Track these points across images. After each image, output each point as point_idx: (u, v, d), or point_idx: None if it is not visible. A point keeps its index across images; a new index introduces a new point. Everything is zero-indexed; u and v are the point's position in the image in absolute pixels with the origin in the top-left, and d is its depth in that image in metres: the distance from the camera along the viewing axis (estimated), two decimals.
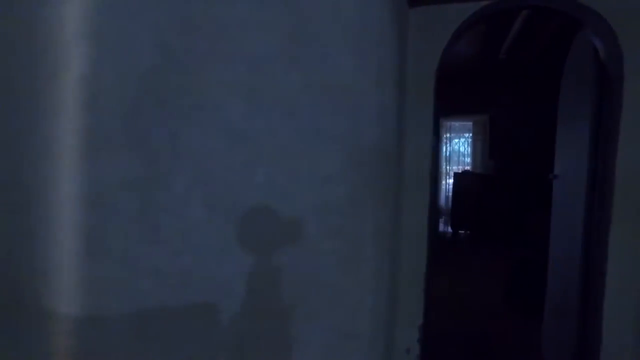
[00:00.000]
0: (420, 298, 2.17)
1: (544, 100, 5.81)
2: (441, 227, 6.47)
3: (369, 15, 1.17)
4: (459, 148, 6.57)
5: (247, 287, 0.87)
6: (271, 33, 0.83)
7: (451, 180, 6.32)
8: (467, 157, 6.47)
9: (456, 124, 6.54)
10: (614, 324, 1.89)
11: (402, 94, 1.95)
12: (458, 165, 6.52)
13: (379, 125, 1.36)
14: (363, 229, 1.20)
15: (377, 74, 1.25)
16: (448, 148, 6.55)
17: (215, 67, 0.82)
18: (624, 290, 1.90)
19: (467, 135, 6.49)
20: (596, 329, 1.93)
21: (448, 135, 6.52)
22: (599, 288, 1.95)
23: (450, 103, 6.52)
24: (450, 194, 6.33)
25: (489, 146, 6.17)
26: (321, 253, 1.00)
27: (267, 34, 0.84)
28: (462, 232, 6.08)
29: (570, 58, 2.49)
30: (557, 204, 2.63)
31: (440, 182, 6.52)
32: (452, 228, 6.24)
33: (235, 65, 0.84)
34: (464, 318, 3.23)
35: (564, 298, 2.33)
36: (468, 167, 6.38)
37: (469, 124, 6.41)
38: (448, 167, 6.54)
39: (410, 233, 2.07)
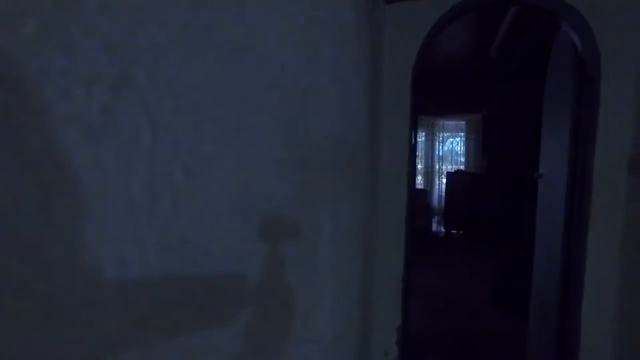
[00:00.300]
0: (398, 299, 2.13)
1: (537, 99, 5.77)
2: (434, 227, 6.43)
3: (326, 14, 1.14)
4: (452, 147, 6.53)
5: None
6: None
7: (444, 180, 6.28)
8: (461, 156, 6.43)
9: (450, 123, 6.50)
10: (593, 321, 1.85)
11: (377, 90, 1.92)
12: (451, 164, 6.48)
13: (342, 120, 1.32)
14: (319, 227, 1.16)
15: (336, 72, 1.21)
16: (441, 147, 6.51)
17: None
18: (602, 289, 1.86)
19: (460, 134, 6.45)
20: (575, 325, 1.90)
21: (441, 134, 6.48)
22: (577, 286, 1.92)
23: (443, 102, 6.53)
24: (443, 193, 6.29)
25: (481, 145, 6.13)
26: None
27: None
28: (455, 231, 6.04)
29: (553, 56, 2.45)
30: (541, 203, 2.59)
31: (434, 182, 6.48)
32: (444, 228, 6.20)
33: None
34: (450, 318, 3.19)
35: (547, 296, 2.30)
36: (461, 167, 6.35)
37: (462, 123, 6.37)
38: (441, 167, 6.50)
39: (387, 232, 2.04)
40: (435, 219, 6.46)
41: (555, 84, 2.38)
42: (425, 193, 6.37)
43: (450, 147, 6.55)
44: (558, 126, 2.27)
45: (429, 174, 6.48)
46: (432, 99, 6.45)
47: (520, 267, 3.26)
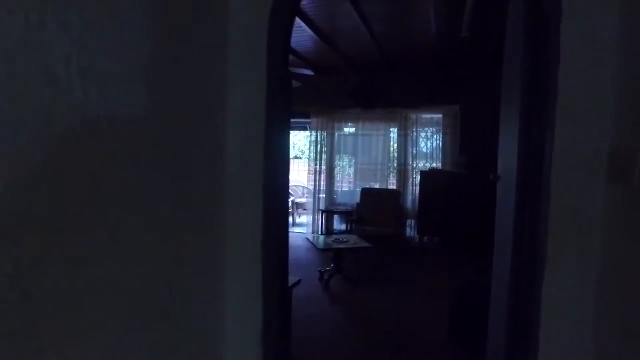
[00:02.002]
0: (255, 345, 1.46)
1: None
2: (408, 232, 5.77)
3: None
4: (426, 144, 5.87)
5: None
6: None
7: (418, 180, 5.62)
8: (439, 152, 5.75)
9: (426, 116, 5.83)
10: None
11: (215, 73, 1.26)
12: (426, 162, 5.82)
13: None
14: None
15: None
16: (416, 144, 5.84)
17: None
18: (569, 350, 1.22)
19: (436, 129, 5.79)
20: None
21: (415, 129, 5.81)
22: (530, 343, 1.27)
23: (416, 93, 5.85)
24: (417, 195, 5.63)
25: (460, 140, 5.47)
26: None
27: None
28: (430, 238, 5.38)
29: (508, 25, 1.80)
30: (499, 215, 1.94)
31: (408, 182, 5.82)
32: (418, 234, 5.55)
33: None
34: (387, 357, 2.54)
35: (499, 340, 1.64)
36: (437, 165, 5.68)
37: (439, 117, 5.70)
38: (416, 165, 5.83)
39: (235, 253, 1.36)
40: (410, 223, 5.80)
41: (513, 50, 1.73)
42: (398, 194, 5.71)
43: (425, 144, 5.89)
44: (510, 112, 1.62)
45: (402, 173, 5.82)
46: (403, 88, 5.79)
47: (479, 290, 2.60)
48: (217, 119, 1.18)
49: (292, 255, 5.06)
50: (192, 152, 1.12)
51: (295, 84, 4.73)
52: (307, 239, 4.17)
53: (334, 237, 4.17)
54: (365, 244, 3.88)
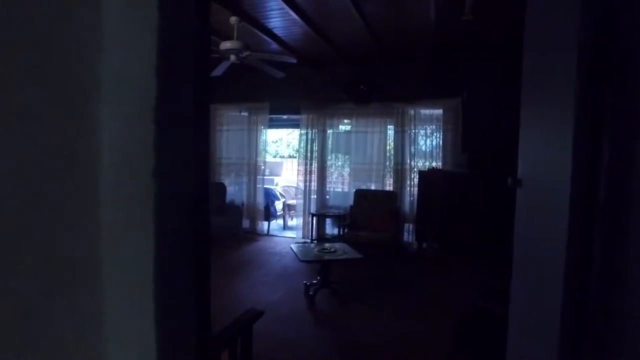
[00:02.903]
0: None
1: None
2: (406, 238, 5.32)
3: None
4: (425, 141, 5.41)
5: None
6: None
7: (417, 180, 5.17)
8: (439, 150, 5.29)
9: (425, 111, 5.37)
10: None
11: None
12: (425, 161, 5.36)
13: None
14: None
15: None
16: (414, 141, 5.38)
17: None
18: None
19: (435, 125, 5.33)
20: None
21: (413, 125, 5.35)
22: None
23: (413, 85, 5.37)
24: (415, 197, 5.17)
25: (461, 137, 5.01)
26: None
27: None
28: (429, 243, 4.92)
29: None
30: (521, 224, 1.49)
31: (405, 182, 5.36)
32: (416, 239, 5.09)
33: None
34: None
35: None
36: (437, 164, 5.22)
37: (439, 111, 5.24)
38: (414, 164, 5.37)
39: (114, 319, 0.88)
40: (407, 228, 5.35)
41: (545, 14, 1.27)
42: (395, 196, 5.25)
43: (424, 141, 5.43)
44: (548, 104, 1.16)
45: (399, 173, 5.36)
46: (399, 81, 5.33)
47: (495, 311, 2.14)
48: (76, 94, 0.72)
49: (279, 263, 4.61)
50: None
51: (278, 74, 4.27)
52: (291, 247, 3.71)
53: (321, 245, 3.71)
54: (355, 255, 3.42)
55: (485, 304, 2.34)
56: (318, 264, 3.42)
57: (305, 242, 5.72)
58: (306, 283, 3.52)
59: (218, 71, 3.99)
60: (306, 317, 3.13)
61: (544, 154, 1.22)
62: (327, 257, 3.36)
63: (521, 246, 1.47)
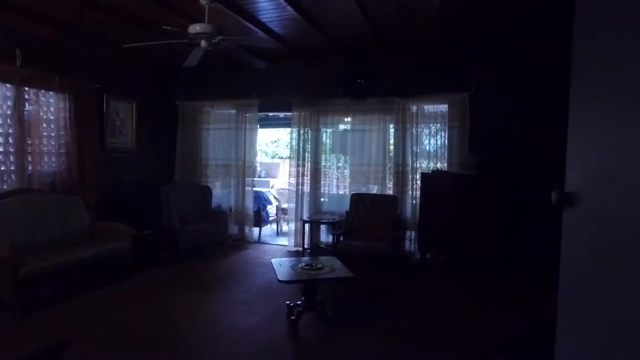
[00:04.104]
0: None
1: (550, 66, 4.14)
2: (407, 246, 4.80)
3: None
4: (429, 140, 4.88)
5: None
6: None
7: (419, 184, 4.65)
8: (444, 149, 4.77)
9: (428, 107, 4.85)
10: None
11: None
12: (429, 162, 4.84)
13: None
14: None
15: None
16: (417, 140, 4.86)
17: None
18: None
19: (440, 122, 4.81)
20: None
21: (415, 122, 4.83)
22: None
23: (416, 79, 4.84)
24: (418, 202, 4.65)
25: (469, 135, 4.49)
26: None
27: None
28: (433, 254, 4.38)
29: None
30: (570, 247, 0.98)
31: (407, 186, 4.84)
32: (419, 249, 4.56)
33: None
34: None
35: None
36: (441, 165, 4.70)
37: (444, 107, 4.73)
38: (417, 165, 4.85)
39: None
40: (408, 236, 4.83)
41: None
42: (395, 201, 4.74)
43: (428, 139, 4.90)
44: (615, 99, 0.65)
45: (400, 175, 4.84)
46: (399, 73, 4.82)
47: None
48: None
49: (263, 277, 4.04)
50: None
51: (259, 64, 3.78)
52: (271, 262, 3.21)
53: (306, 260, 3.21)
54: (345, 273, 2.91)
55: (513, 340, 1.83)
56: (301, 284, 2.92)
57: (297, 251, 5.22)
58: (289, 304, 3.02)
59: (192, 61, 3.51)
60: (285, 347, 2.63)
61: (621, 163, 0.72)
62: (311, 275, 2.86)
63: (574, 286, 0.96)
